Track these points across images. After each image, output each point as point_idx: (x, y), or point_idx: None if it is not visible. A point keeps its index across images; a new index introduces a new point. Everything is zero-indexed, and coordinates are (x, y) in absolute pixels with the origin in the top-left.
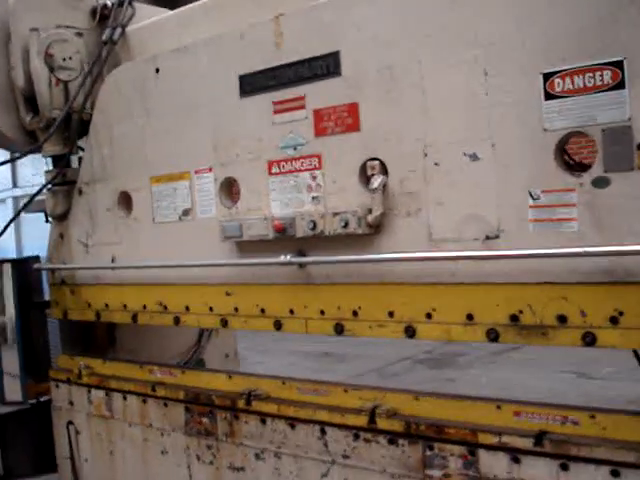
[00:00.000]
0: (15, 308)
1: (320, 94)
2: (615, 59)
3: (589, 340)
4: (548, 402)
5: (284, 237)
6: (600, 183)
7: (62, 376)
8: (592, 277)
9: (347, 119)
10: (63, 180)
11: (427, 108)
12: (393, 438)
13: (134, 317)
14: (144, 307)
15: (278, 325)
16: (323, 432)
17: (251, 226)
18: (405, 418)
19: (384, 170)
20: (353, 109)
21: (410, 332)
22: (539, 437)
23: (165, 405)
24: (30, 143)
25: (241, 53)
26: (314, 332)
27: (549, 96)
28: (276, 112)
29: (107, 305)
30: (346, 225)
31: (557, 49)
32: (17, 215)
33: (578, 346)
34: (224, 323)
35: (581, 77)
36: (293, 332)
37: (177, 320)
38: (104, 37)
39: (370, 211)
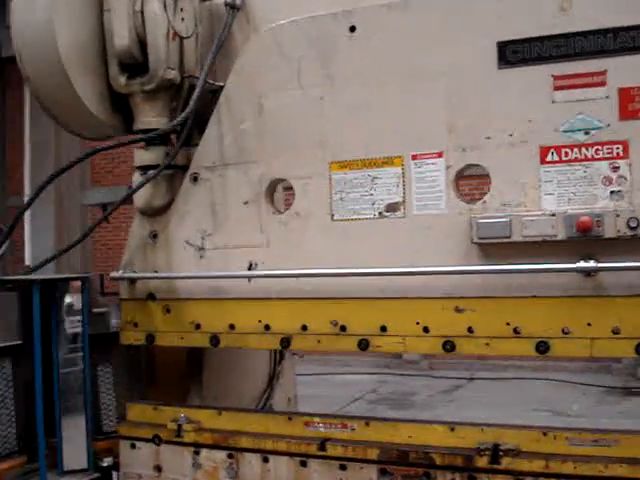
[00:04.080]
0: (85, 350)
1: (629, 71)
2: None
3: None
4: None
5: (575, 239)
6: None
7: (143, 433)
8: None
9: None
10: (167, 163)
11: None
12: None
13: (285, 341)
14: (303, 328)
15: (544, 347)
16: None
17: (529, 224)
18: None
19: None
20: None
21: None
22: None
23: (342, 468)
24: (116, 122)
25: (500, 14)
26: (603, 354)
27: None
28: (558, 88)
29: (233, 326)
30: None
31: None
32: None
33: None
34: (448, 347)
35: None
36: (565, 355)
37: (364, 345)
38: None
39: None
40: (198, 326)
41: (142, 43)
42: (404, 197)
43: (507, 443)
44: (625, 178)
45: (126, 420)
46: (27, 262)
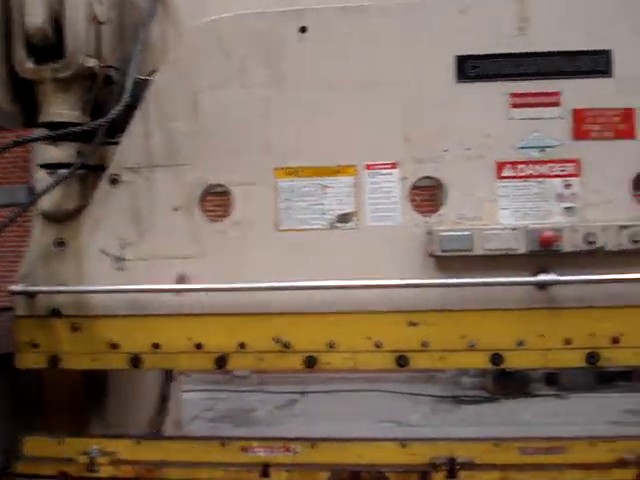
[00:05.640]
0: None
1: (582, 93)
2: None
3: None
4: None
5: (535, 253)
6: None
7: (47, 470)
8: None
9: (619, 125)
10: (82, 162)
11: None
12: None
13: (221, 360)
14: (241, 346)
15: (498, 359)
16: None
17: (491, 237)
18: None
19: None
20: (628, 115)
21: None
22: None
23: None
24: (13, 111)
25: (460, 28)
26: (556, 365)
27: None
28: (514, 105)
29: (157, 345)
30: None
31: None
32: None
33: None
34: (402, 362)
35: None
36: (519, 367)
37: (311, 362)
38: None
39: None
40: (115, 346)
41: (57, 24)
42: (357, 208)
43: (462, 456)
44: (577, 195)
45: (22, 456)
46: None
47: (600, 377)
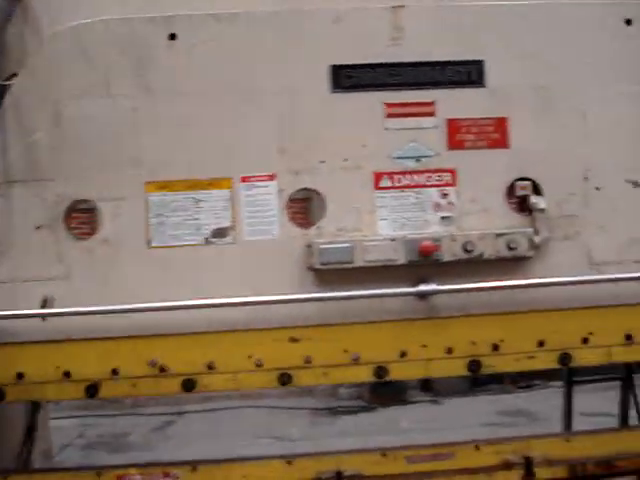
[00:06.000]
0: None
1: (456, 103)
2: None
3: None
4: None
5: (415, 263)
6: None
7: None
8: None
9: (492, 134)
10: None
11: (587, 133)
12: None
13: (91, 388)
14: (114, 372)
15: (382, 372)
16: None
17: (371, 249)
18: (568, 462)
19: (536, 191)
20: (501, 124)
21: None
22: None
23: None
24: None
25: (334, 38)
26: (439, 374)
27: None
28: (390, 115)
29: (21, 376)
30: (511, 248)
31: None
32: None
33: None
34: (285, 380)
35: None
36: (403, 378)
37: (190, 385)
38: None
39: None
40: None
41: None
42: (234, 222)
43: (349, 469)
44: (454, 204)
45: None
46: None
47: (474, 381)
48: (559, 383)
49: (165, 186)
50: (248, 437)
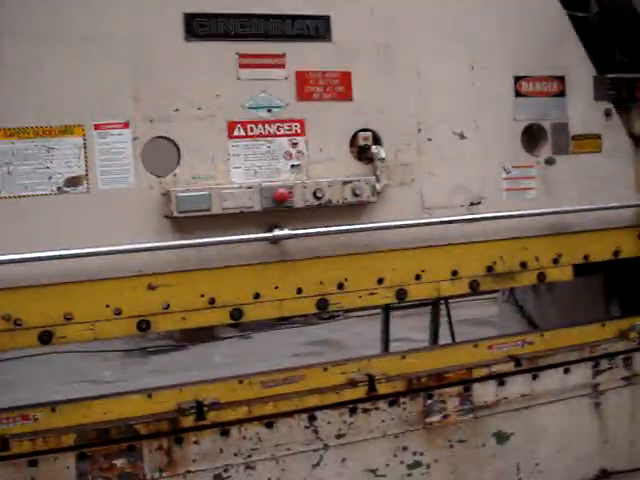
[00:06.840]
0: None
1: (305, 56)
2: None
3: (542, 278)
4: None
5: (270, 209)
6: (550, 161)
7: None
8: (542, 230)
9: (338, 87)
10: None
11: (421, 89)
12: (395, 399)
13: None
14: None
15: (237, 314)
16: (312, 419)
17: (228, 196)
18: (405, 377)
19: (376, 141)
20: (345, 78)
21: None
22: (517, 360)
23: (32, 464)
24: None
25: None
26: (290, 313)
27: (518, 94)
28: (243, 66)
29: None
30: (355, 194)
31: (525, 60)
32: None
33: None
34: (144, 327)
35: (539, 83)
36: (257, 319)
37: (46, 337)
38: None
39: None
40: None
41: None
42: (87, 170)
43: (208, 397)
44: (303, 153)
45: None
46: None
47: None
48: (358, 314)
49: (14, 133)
50: (62, 382)
